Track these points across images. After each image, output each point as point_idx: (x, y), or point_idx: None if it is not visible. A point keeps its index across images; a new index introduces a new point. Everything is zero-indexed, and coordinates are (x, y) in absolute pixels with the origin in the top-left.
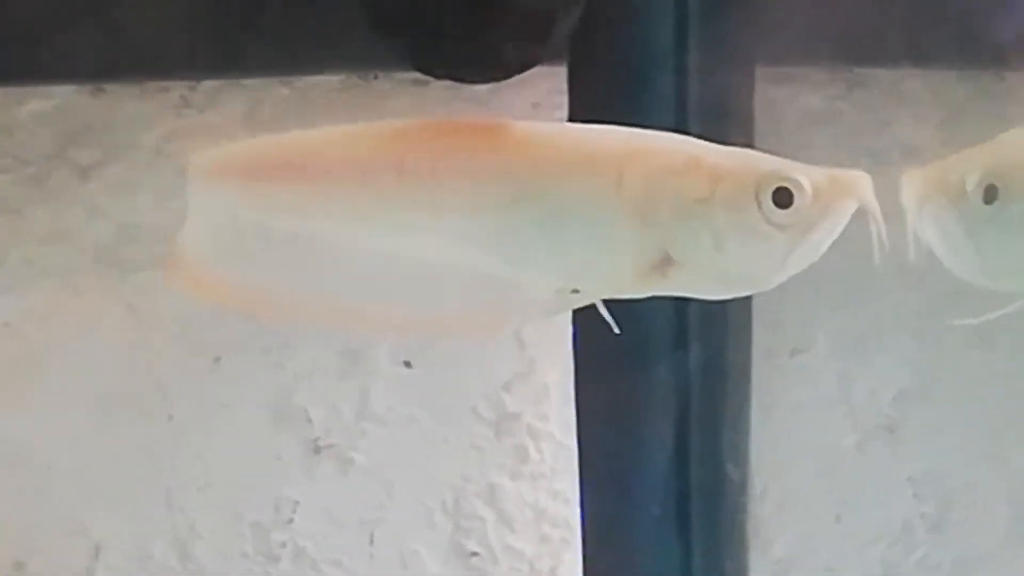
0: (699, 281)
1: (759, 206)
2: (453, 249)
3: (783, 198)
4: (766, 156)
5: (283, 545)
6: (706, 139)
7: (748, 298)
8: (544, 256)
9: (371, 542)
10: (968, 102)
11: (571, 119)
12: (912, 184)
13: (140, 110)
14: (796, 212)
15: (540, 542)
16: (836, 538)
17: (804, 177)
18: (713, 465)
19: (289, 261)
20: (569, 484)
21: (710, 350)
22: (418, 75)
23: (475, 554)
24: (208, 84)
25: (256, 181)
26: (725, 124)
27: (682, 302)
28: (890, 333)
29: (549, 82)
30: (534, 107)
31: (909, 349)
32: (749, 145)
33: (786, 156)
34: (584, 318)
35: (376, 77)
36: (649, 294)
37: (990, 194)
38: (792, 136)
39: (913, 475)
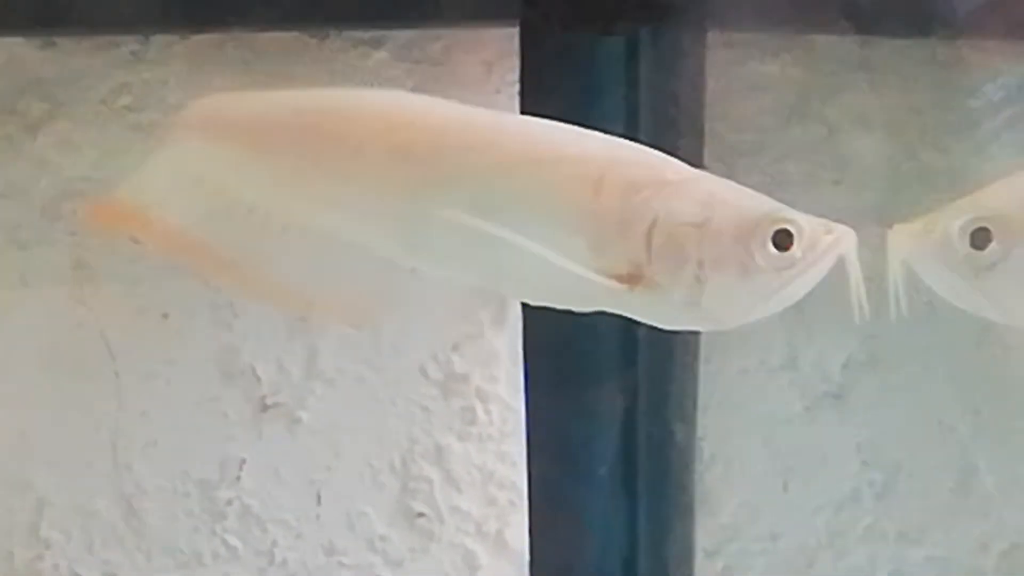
0: (662, 307)
1: (755, 243)
2: (359, 228)
3: (782, 240)
4: (755, 192)
5: (229, 503)
6: (658, 100)
7: None
8: (465, 253)
9: (318, 502)
10: (920, 71)
11: (522, 79)
12: (899, 240)
13: (90, 64)
14: (790, 257)
15: (487, 504)
16: (783, 505)
17: (806, 223)
18: (660, 429)
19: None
20: (517, 446)
21: None
22: (370, 34)
23: (422, 515)
24: (159, 39)
25: (221, 139)
26: (676, 86)
27: None
28: (839, 299)
29: (501, 43)
30: (486, 67)
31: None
32: (699, 109)
33: (739, 121)
34: None
35: (328, 36)
36: (598, 308)
37: (980, 239)
38: (743, 101)
39: (861, 443)
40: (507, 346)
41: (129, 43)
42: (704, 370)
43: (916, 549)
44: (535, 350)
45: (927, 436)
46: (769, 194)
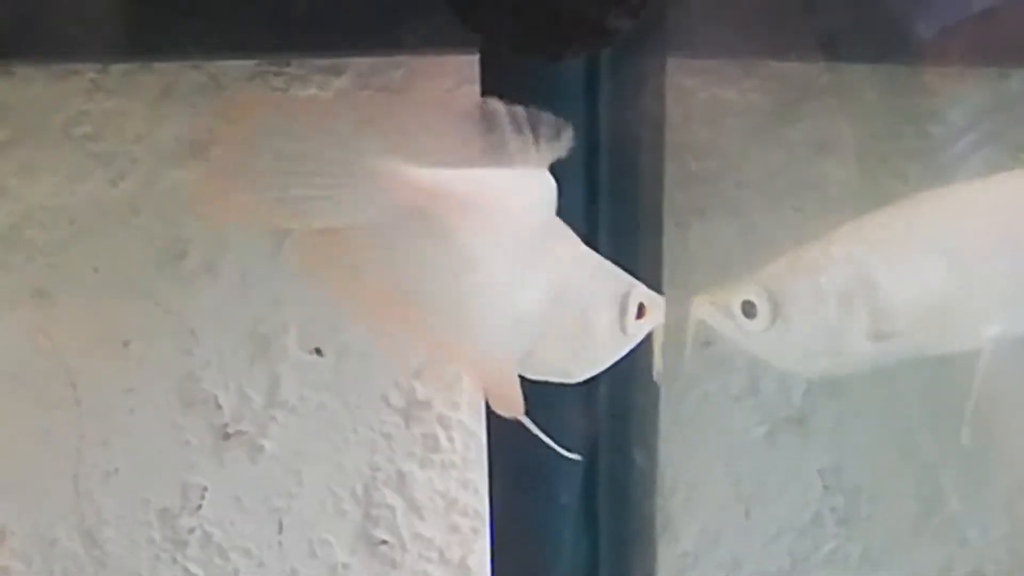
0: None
1: (625, 315)
2: None
3: (641, 311)
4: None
5: (191, 531)
6: (619, 127)
7: (659, 289)
8: None
9: (280, 530)
10: (881, 97)
11: None
12: (698, 307)
13: (50, 92)
14: (644, 324)
15: (450, 531)
16: (745, 530)
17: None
18: (622, 455)
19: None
20: (479, 473)
21: None
22: (331, 62)
23: (384, 542)
24: (119, 67)
25: None
26: (636, 114)
27: None
28: None
29: (462, 70)
30: (447, 95)
31: None
32: (660, 135)
33: (699, 148)
34: None
35: (289, 64)
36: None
37: (749, 310)
38: (704, 128)
39: (823, 467)
40: None
41: (88, 71)
42: (666, 396)
43: (879, 574)
44: None
45: (889, 461)
46: (730, 221)
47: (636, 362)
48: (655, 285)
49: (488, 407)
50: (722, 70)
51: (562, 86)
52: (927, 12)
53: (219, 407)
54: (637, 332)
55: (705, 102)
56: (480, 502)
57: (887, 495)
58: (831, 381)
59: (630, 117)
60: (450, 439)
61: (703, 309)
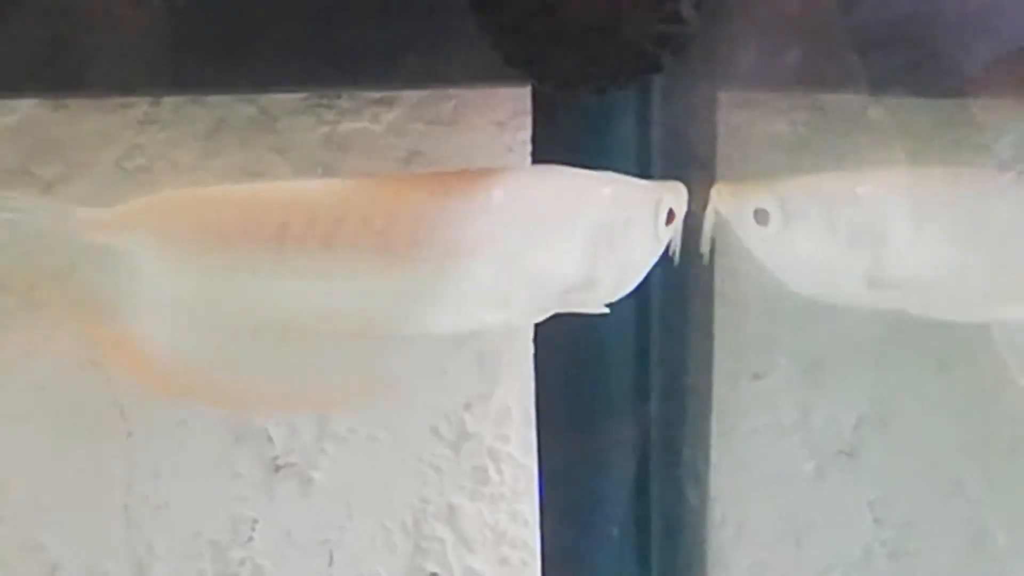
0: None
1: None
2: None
3: (670, 216)
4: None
5: (241, 563)
6: (668, 158)
7: (710, 322)
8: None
9: (330, 562)
10: (930, 130)
11: (534, 139)
12: (717, 198)
13: (102, 125)
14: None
15: (500, 564)
16: (795, 564)
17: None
18: (673, 489)
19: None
20: (529, 506)
21: (671, 374)
22: (382, 95)
23: (434, 575)
24: (171, 100)
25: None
26: (687, 144)
27: (644, 326)
28: (851, 359)
29: (513, 102)
30: (498, 126)
31: (869, 375)
32: (710, 166)
33: (749, 179)
34: (545, 340)
35: (340, 96)
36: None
37: (761, 217)
38: (754, 161)
39: (873, 501)
40: (519, 405)
41: (141, 104)
42: (716, 430)
43: None
44: (547, 408)
45: (939, 495)
46: None
47: (686, 399)
48: (707, 322)
49: (540, 440)
50: (773, 103)
51: (614, 119)
52: (976, 44)
53: (270, 439)
54: (666, 237)
55: (755, 135)
56: (530, 534)
57: (937, 529)
58: (882, 417)
59: (681, 150)
60: (499, 471)
61: (721, 199)
